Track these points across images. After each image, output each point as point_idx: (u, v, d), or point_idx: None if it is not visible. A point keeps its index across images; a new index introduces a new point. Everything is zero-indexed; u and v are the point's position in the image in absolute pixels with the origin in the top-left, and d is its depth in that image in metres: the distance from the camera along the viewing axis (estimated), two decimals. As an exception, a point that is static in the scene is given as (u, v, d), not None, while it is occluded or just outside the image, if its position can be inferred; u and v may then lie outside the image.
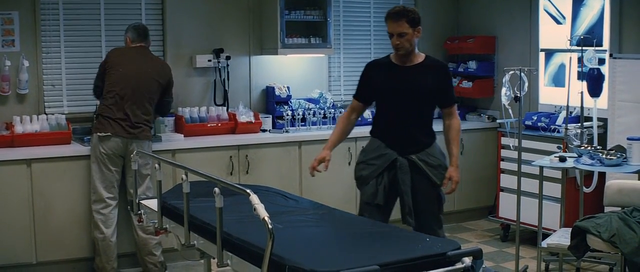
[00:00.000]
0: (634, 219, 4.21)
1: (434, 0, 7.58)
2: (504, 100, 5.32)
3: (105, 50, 6.04)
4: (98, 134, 5.35)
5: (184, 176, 3.64)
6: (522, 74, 5.29)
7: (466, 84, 7.27)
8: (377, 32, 7.27)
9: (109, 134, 5.32)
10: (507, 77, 5.31)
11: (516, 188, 5.63)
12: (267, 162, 6.10)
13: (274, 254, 2.89)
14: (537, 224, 5.37)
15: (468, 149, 7.03)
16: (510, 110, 5.39)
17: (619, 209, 4.48)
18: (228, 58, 6.38)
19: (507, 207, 6.46)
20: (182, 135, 6.02)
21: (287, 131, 6.33)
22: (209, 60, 6.36)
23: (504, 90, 5.29)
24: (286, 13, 6.38)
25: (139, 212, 4.41)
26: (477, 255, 3.04)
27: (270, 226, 2.85)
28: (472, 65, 7.24)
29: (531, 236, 6.13)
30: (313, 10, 6.56)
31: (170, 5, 6.28)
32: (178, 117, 6.17)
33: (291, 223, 3.65)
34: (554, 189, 5.87)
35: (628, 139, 5.03)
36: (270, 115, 6.48)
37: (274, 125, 6.48)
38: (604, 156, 4.98)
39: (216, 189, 3.26)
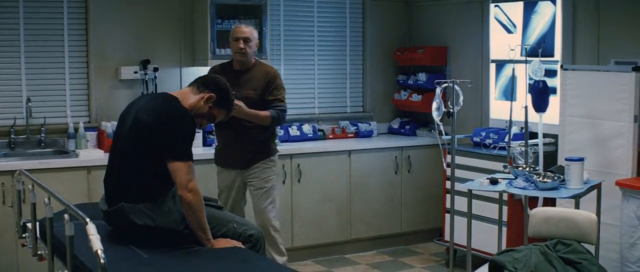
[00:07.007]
0: (556, 253, 3.73)
1: (384, 9, 7.18)
2: (435, 116, 4.90)
3: (24, 62, 5.74)
4: None
5: (46, 200, 3.38)
6: (456, 86, 4.89)
7: (416, 98, 6.82)
8: (320, 42, 6.92)
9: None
10: (438, 91, 4.88)
11: (459, 210, 5.23)
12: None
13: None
14: (482, 249, 4.97)
15: (416, 166, 6.62)
16: (441, 127, 4.97)
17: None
18: (156, 70, 6.00)
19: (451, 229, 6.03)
20: (103, 151, 5.64)
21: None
22: (135, 72, 5.98)
23: (434, 104, 4.87)
24: (218, 22, 6.00)
25: (24, 235, 4.10)
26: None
27: (102, 261, 2.65)
28: (422, 77, 6.80)
29: (477, 261, 5.70)
30: (248, 19, 6.14)
31: (94, 14, 5.91)
32: (100, 132, 5.80)
33: (148, 254, 3.29)
34: (497, 211, 5.45)
35: (566, 159, 4.62)
36: (201, 131, 6.06)
37: (205, 142, 6.07)
38: (538, 179, 4.55)
39: (66, 216, 3.04)
